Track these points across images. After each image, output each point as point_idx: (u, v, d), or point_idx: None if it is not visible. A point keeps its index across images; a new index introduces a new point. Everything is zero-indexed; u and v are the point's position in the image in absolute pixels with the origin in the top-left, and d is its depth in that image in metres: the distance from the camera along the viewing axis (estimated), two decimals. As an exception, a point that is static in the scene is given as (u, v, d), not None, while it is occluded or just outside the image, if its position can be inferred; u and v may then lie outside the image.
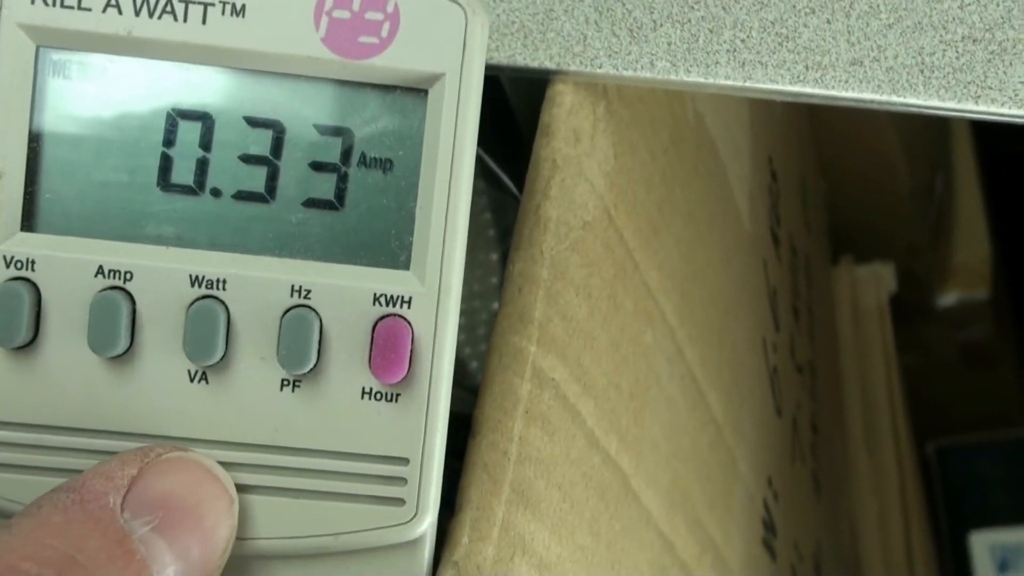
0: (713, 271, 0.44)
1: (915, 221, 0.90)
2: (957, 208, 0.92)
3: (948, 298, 0.91)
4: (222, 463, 0.27)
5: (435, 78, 0.27)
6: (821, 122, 0.82)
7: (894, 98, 0.32)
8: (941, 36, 0.32)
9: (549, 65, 0.34)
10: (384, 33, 0.27)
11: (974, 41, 0.31)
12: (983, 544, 0.83)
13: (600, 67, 0.33)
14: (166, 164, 0.27)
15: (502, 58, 0.34)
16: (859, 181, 0.87)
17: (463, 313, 0.27)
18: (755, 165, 0.54)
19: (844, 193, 0.88)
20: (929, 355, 0.94)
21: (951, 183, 0.93)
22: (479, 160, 0.28)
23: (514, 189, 0.42)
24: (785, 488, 0.55)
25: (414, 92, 0.27)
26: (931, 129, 0.92)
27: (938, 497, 0.86)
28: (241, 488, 0.27)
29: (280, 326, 0.27)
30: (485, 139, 0.29)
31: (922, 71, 0.32)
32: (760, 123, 0.56)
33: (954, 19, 0.32)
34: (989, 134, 0.93)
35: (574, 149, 0.33)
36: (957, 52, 0.31)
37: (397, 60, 0.27)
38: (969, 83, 0.31)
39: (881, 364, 0.83)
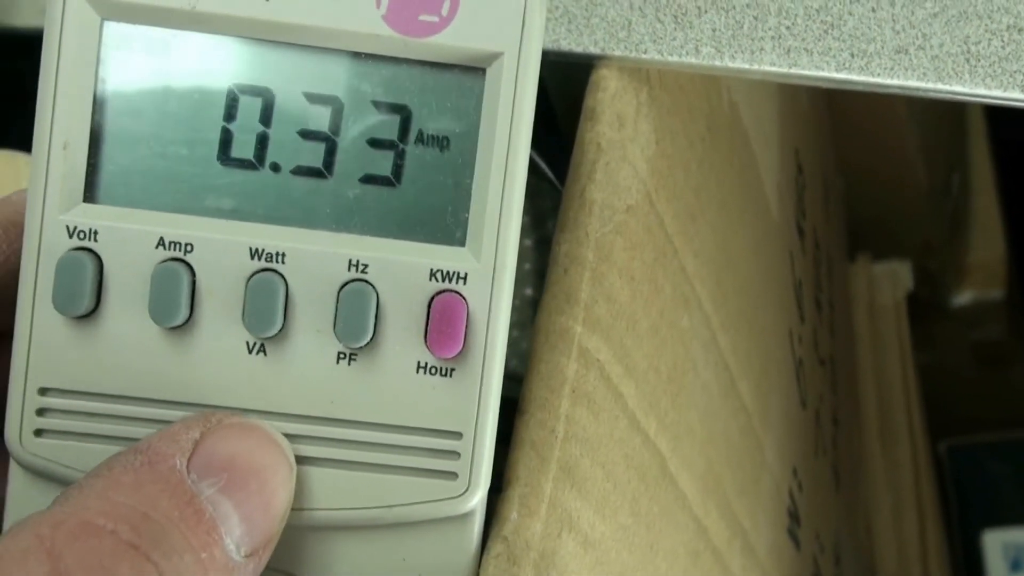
0: (745, 260, 0.45)
1: (931, 220, 0.91)
2: (973, 208, 0.92)
3: (963, 297, 0.91)
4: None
5: (494, 57, 0.27)
6: (841, 120, 0.82)
7: (940, 86, 0.32)
8: (987, 25, 0.32)
9: (594, 50, 0.34)
10: (444, 12, 0.27)
11: (1020, 31, 0.32)
12: (996, 543, 0.83)
13: (645, 52, 0.34)
14: (226, 138, 0.27)
15: (547, 42, 0.34)
16: (877, 179, 0.88)
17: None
18: (783, 157, 0.54)
19: (862, 191, 0.88)
20: (943, 354, 0.94)
21: (967, 183, 0.93)
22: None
23: (550, 174, 0.43)
24: (809, 479, 0.55)
25: (473, 71, 0.27)
26: (948, 129, 0.92)
27: (951, 496, 0.86)
28: (297, 460, 0.27)
29: (337, 300, 0.27)
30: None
31: (968, 60, 0.32)
32: (788, 116, 0.57)
33: (999, 8, 0.32)
34: (1006, 134, 0.93)
35: (618, 133, 0.33)
36: (1003, 41, 0.32)
37: (457, 39, 0.27)
38: (1015, 72, 0.31)
39: (897, 362, 0.83)
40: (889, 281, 0.87)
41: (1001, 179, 0.92)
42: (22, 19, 0.40)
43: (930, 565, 0.75)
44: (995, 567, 0.81)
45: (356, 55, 0.27)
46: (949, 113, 0.92)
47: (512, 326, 0.45)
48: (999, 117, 0.93)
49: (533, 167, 0.44)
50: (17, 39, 0.40)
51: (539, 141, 0.43)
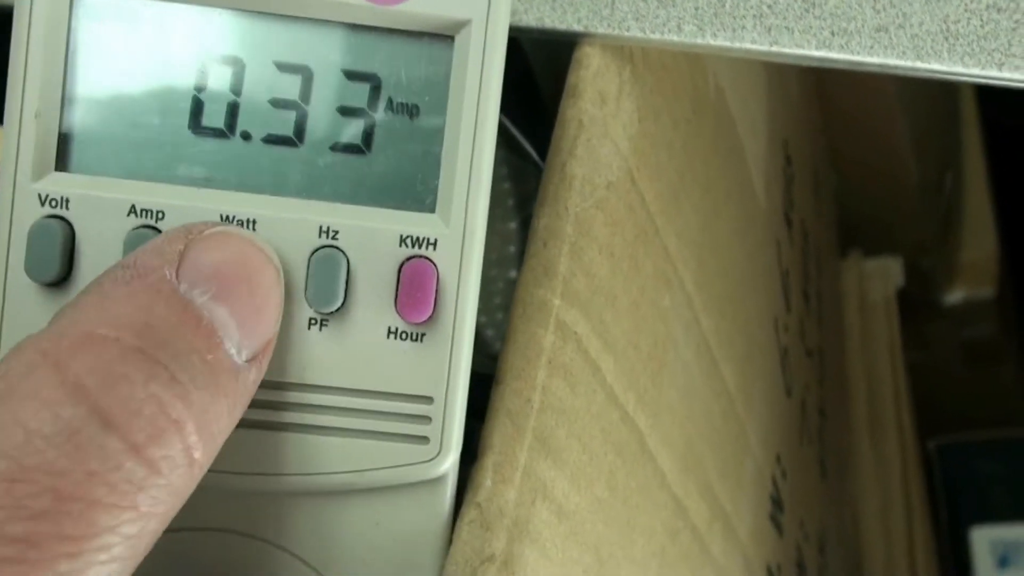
0: (729, 245, 0.45)
1: (923, 218, 0.91)
2: (965, 206, 0.92)
3: (954, 296, 0.91)
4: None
5: (462, 24, 0.27)
6: (833, 114, 0.82)
7: (919, 64, 0.32)
8: (966, 4, 0.32)
9: (577, 28, 0.34)
10: (414, -21, 0.27)
11: (999, 10, 0.32)
12: (983, 540, 0.83)
13: (628, 30, 0.34)
14: (197, 107, 0.27)
15: (530, 20, 0.34)
16: (869, 175, 0.88)
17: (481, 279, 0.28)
18: (771, 146, 0.54)
19: (854, 186, 0.88)
20: (934, 352, 0.94)
21: (960, 181, 0.93)
22: (501, 126, 0.29)
23: (536, 156, 0.43)
24: (793, 467, 0.55)
25: (441, 38, 0.27)
26: (942, 127, 0.92)
27: (939, 493, 0.87)
28: (269, 425, 0.27)
29: (308, 266, 0.27)
30: (507, 106, 0.29)
31: (947, 38, 0.32)
32: (777, 106, 0.57)
33: (979, -14, 0.32)
34: (999, 134, 0.93)
35: (600, 110, 0.33)
36: (982, 20, 0.32)
37: (425, 6, 0.27)
38: (993, 51, 0.31)
39: (887, 358, 0.84)
40: (880, 277, 0.87)
41: (994, 178, 0.92)
42: None
43: (917, 560, 0.75)
44: (982, 563, 0.81)
45: (326, 23, 0.27)
46: (943, 111, 0.92)
47: (497, 308, 0.45)
48: (993, 116, 0.94)
49: (518, 148, 0.44)
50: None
51: (524, 122, 0.43)
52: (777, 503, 0.51)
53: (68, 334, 0.23)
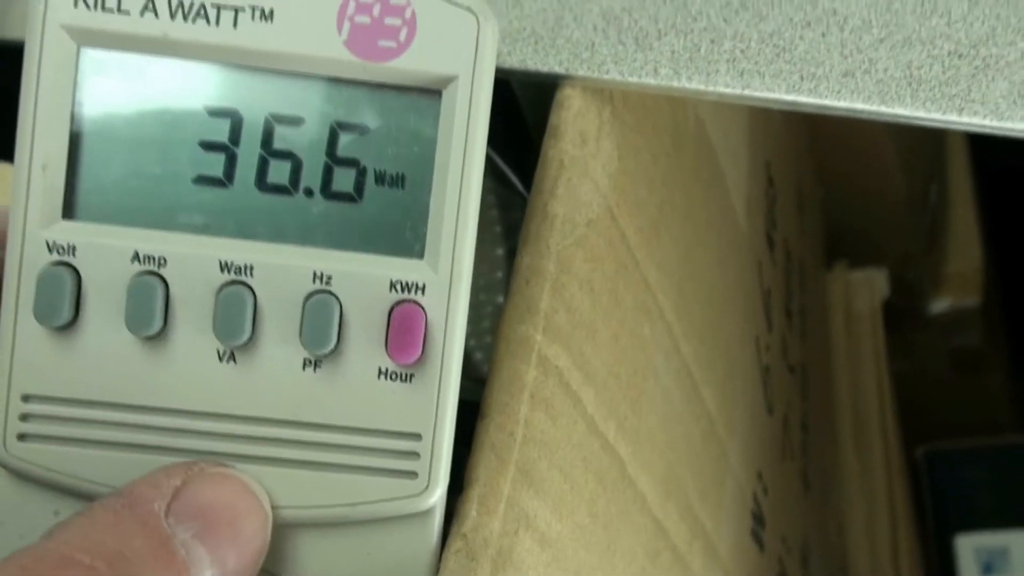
0: (710, 271, 0.46)
1: (909, 229, 0.92)
2: (950, 217, 0.94)
3: (940, 305, 0.93)
4: (247, 437, 0.29)
5: (449, 80, 0.29)
6: (820, 131, 0.84)
7: (883, 109, 0.33)
8: (929, 51, 0.33)
9: (558, 70, 0.36)
10: (402, 38, 0.29)
11: (960, 56, 0.33)
12: (968, 547, 0.84)
13: (607, 73, 0.35)
14: (197, 158, 0.29)
15: (514, 62, 0.36)
16: (855, 188, 0.89)
17: (469, 305, 0.29)
18: (753, 170, 0.56)
19: (840, 200, 0.89)
20: (920, 361, 0.95)
21: (945, 193, 0.94)
22: (489, 159, 0.30)
23: (521, 187, 0.44)
24: (775, 483, 0.56)
25: (429, 93, 0.29)
26: (927, 140, 0.93)
27: (926, 500, 0.88)
28: (264, 460, 0.29)
29: (303, 310, 0.28)
30: (495, 139, 0.31)
31: (910, 84, 0.33)
32: (759, 130, 0.58)
33: (941, 35, 0.33)
34: (983, 146, 0.95)
35: (580, 150, 0.35)
36: (943, 66, 0.33)
37: (414, 63, 0.29)
38: (954, 96, 0.33)
39: (872, 368, 0.85)
40: (866, 288, 0.88)
41: (978, 189, 0.94)
42: (12, 31, 0.42)
43: (902, 568, 0.77)
44: (967, 570, 0.83)
45: (319, 78, 0.29)
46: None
47: (485, 332, 0.47)
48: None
49: (504, 180, 0.45)
50: (6, 49, 0.42)
51: (511, 155, 0.45)
52: (759, 519, 0.52)
53: (49, 555, 0.24)
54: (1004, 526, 0.85)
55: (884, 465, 0.81)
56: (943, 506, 0.87)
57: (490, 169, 0.44)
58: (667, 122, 0.41)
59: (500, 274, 0.46)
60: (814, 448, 0.70)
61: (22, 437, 0.29)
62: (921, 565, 0.82)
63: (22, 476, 0.29)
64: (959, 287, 0.92)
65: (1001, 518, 0.85)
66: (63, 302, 0.28)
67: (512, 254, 0.47)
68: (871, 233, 0.92)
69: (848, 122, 0.85)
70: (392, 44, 0.28)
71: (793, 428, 0.63)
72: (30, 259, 0.28)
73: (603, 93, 0.36)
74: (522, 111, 0.45)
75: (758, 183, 0.57)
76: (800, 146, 0.78)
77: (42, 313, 0.28)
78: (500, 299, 0.46)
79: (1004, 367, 0.98)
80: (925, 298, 0.92)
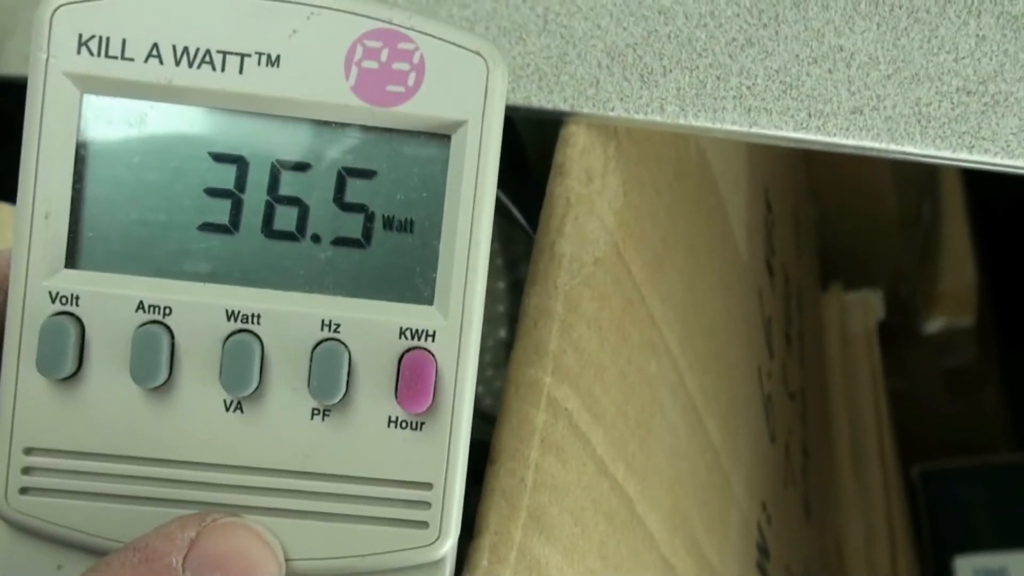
0: (712, 301, 0.46)
1: (902, 248, 0.92)
2: (943, 236, 0.94)
3: (934, 324, 0.92)
4: (255, 488, 0.28)
5: (458, 124, 0.28)
6: (814, 152, 0.83)
7: (892, 146, 0.33)
8: (937, 88, 0.33)
9: (563, 107, 0.35)
10: (410, 82, 0.28)
11: (968, 93, 0.33)
12: (967, 568, 0.84)
13: (612, 110, 0.35)
14: (202, 204, 0.28)
15: (518, 99, 0.35)
16: (848, 208, 0.89)
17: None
18: (752, 197, 0.56)
19: (834, 219, 0.89)
20: (915, 380, 0.95)
21: (938, 211, 0.94)
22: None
23: (523, 221, 0.44)
24: (778, 512, 0.56)
25: (438, 138, 0.29)
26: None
27: (923, 521, 0.88)
28: (273, 512, 0.28)
29: (311, 358, 0.28)
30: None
31: (919, 121, 0.33)
32: (758, 155, 0.58)
33: (950, 71, 0.33)
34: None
35: (586, 188, 0.34)
36: (952, 103, 0.33)
37: (422, 108, 0.28)
38: (964, 133, 0.33)
39: (869, 389, 0.85)
40: (861, 310, 0.88)
41: (971, 208, 0.94)
42: (9, 67, 0.41)
43: (902, 591, 0.76)
44: (967, 592, 0.82)
45: (326, 124, 0.28)
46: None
47: (486, 366, 0.46)
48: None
49: (506, 213, 0.45)
50: (2, 83, 0.41)
51: (512, 188, 0.44)
52: (763, 550, 0.52)
53: None
54: (1002, 547, 0.84)
55: (882, 486, 0.80)
56: (940, 527, 0.87)
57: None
58: (670, 153, 0.41)
59: (502, 307, 0.46)
60: (814, 472, 0.70)
61: (24, 490, 0.28)
62: (921, 587, 0.82)
63: (24, 530, 0.28)
64: (952, 306, 0.92)
65: (999, 539, 0.85)
66: (66, 353, 0.28)
67: (514, 287, 0.46)
68: (864, 252, 0.92)
69: (841, 142, 0.85)
70: (400, 89, 0.28)
71: (794, 454, 0.62)
72: (32, 309, 0.28)
73: (608, 129, 0.36)
74: (524, 143, 0.45)
75: (757, 210, 0.57)
76: (795, 167, 0.78)
77: (45, 364, 0.28)
78: (502, 333, 0.45)
79: (998, 386, 0.98)
80: (919, 317, 0.92)
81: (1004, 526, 0.85)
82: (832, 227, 0.90)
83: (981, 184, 0.96)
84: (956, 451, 0.91)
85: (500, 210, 0.46)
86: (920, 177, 0.94)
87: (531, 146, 0.44)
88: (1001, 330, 1.00)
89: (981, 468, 0.90)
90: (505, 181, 0.44)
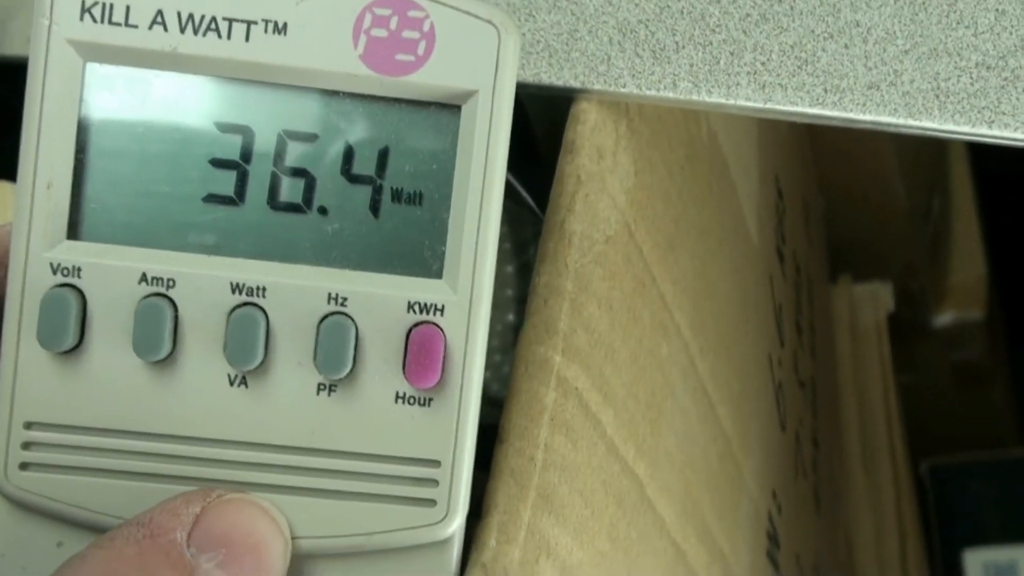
0: (724, 287, 0.45)
1: (912, 241, 0.91)
2: (953, 229, 0.93)
3: (943, 318, 0.92)
4: (259, 464, 0.27)
5: (469, 95, 0.28)
6: (822, 142, 0.83)
7: (910, 122, 0.33)
8: (956, 63, 0.33)
9: (574, 84, 0.35)
10: (420, 51, 0.28)
11: (988, 68, 0.32)
12: (977, 562, 0.83)
13: (624, 86, 0.34)
14: (207, 175, 0.28)
15: (528, 76, 0.35)
16: (858, 201, 0.88)
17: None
18: (763, 183, 0.55)
19: (842, 212, 0.89)
20: (924, 374, 0.95)
21: (948, 204, 0.94)
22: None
23: (531, 203, 0.43)
24: (788, 501, 0.55)
25: (448, 108, 0.28)
26: (929, 151, 0.93)
27: (932, 515, 0.87)
28: (278, 489, 0.28)
29: (317, 332, 0.27)
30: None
31: (937, 96, 0.33)
32: (768, 142, 0.58)
33: (968, 46, 0.33)
34: (986, 157, 0.94)
35: (597, 165, 0.34)
36: (971, 78, 0.32)
37: (432, 77, 0.28)
38: (983, 108, 0.32)
39: (878, 382, 0.84)
40: (870, 302, 0.88)
41: (981, 201, 0.93)
42: (12, 48, 0.41)
43: (912, 584, 0.76)
44: (976, 586, 0.82)
45: (334, 93, 0.28)
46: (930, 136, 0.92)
47: (494, 351, 0.46)
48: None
49: (514, 195, 0.44)
50: (3, 66, 0.41)
51: (520, 169, 0.44)
52: (773, 539, 0.51)
53: None
54: (1011, 541, 0.84)
55: (892, 480, 0.80)
56: (950, 521, 0.86)
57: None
58: (682, 134, 0.41)
59: (510, 291, 0.45)
60: (824, 464, 0.69)
61: (24, 466, 0.28)
62: (930, 582, 0.81)
63: (24, 506, 0.28)
64: (962, 299, 0.91)
65: (1009, 533, 0.84)
66: (68, 326, 0.27)
67: (522, 270, 0.46)
68: (874, 245, 0.92)
69: (849, 133, 0.84)
70: (410, 58, 0.27)
71: (805, 444, 0.62)
72: (33, 281, 0.27)
73: (619, 106, 0.35)
74: (531, 123, 0.44)
75: (768, 196, 0.56)
76: (805, 158, 0.77)
77: (46, 337, 0.27)
78: (510, 317, 0.45)
79: (1008, 380, 0.98)
80: (928, 311, 0.92)
81: (1013, 520, 0.85)
82: (841, 220, 0.90)
83: (991, 177, 0.95)
84: (965, 446, 0.91)
85: (508, 192, 0.45)
86: (930, 170, 0.93)
87: (539, 127, 0.44)
88: (1011, 324, 1.00)
89: (990, 463, 0.89)
90: (513, 162, 0.43)
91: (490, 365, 0.46)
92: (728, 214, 0.47)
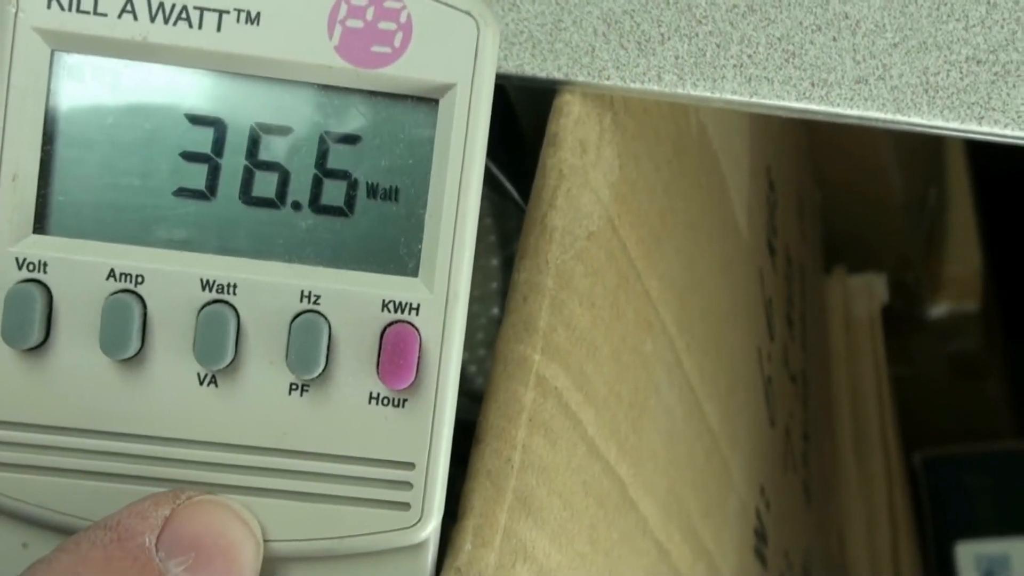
0: (712, 281, 0.45)
1: (907, 233, 0.91)
2: (949, 221, 0.93)
3: (938, 310, 0.92)
4: (230, 465, 0.27)
5: (446, 88, 0.27)
6: (818, 133, 0.82)
7: (898, 117, 0.32)
8: (946, 57, 0.32)
9: (557, 75, 0.34)
10: (397, 43, 0.27)
11: (978, 62, 0.32)
12: (968, 554, 0.83)
13: (608, 79, 0.34)
14: (178, 169, 0.27)
15: (510, 67, 0.34)
16: (853, 192, 0.88)
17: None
18: (754, 176, 0.54)
19: (838, 203, 0.88)
20: (918, 366, 0.94)
21: (944, 196, 0.93)
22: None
23: (516, 195, 0.43)
24: (777, 497, 0.55)
25: (425, 101, 0.27)
26: (925, 143, 0.92)
27: (924, 507, 0.87)
28: (249, 491, 0.27)
29: (289, 331, 0.27)
30: (489, 145, 0.29)
31: (926, 91, 0.32)
32: (759, 134, 0.57)
33: (959, 40, 0.32)
34: (982, 149, 0.93)
35: (580, 159, 0.33)
36: (961, 73, 0.32)
37: (409, 70, 0.27)
38: (973, 104, 0.32)
39: (871, 374, 0.84)
40: (865, 293, 0.87)
41: (977, 193, 0.93)
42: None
43: (903, 577, 0.75)
44: (968, 579, 0.82)
45: (308, 86, 0.27)
46: (926, 126, 0.92)
47: (479, 345, 0.45)
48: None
49: (500, 188, 0.44)
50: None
51: (506, 162, 0.43)
52: (761, 536, 0.51)
53: None
54: (1004, 534, 0.84)
55: (884, 472, 0.80)
56: (942, 513, 0.86)
57: (484, 176, 0.42)
58: (669, 128, 0.40)
59: (495, 285, 0.45)
60: (815, 457, 0.69)
61: None
62: (922, 573, 0.81)
63: (-11, 507, 0.27)
64: (957, 291, 0.91)
65: (1001, 525, 0.84)
66: (33, 322, 0.26)
67: (507, 263, 0.45)
68: (869, 237, 0.91)
69: (844, 126, 0.83)
70: (387, 49, 0.27)
71: (795, 438, 0.61)
72: None
73: (603, 99, 0.35)
74: (517, 115, 0.43)
75: (759, 188, 0.56)
76: (799, 149, 0.76)
77: (10, 334, 0.26)
78: (495, 311, 0.44)
79: (1002, 372, 0.97)
80: (923, 303, 0.91)
81: (1006, 513, 0.85)
82: (836, 211, 0.89)
83: (988, 170, 0.95)
84: (959, 437, 0.90)
85: (493, 184, 0.44)
86: (926, 162, 0.93)
87: (526, 119, 0.43)
88: (1006, 317, 0.99)
89: (983, 455, 0.89)
90: (498, 154, 0.43)
91: (475, 359, 0.45)
92: (717, 208, 0.46)
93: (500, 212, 0.44)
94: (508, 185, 0.43)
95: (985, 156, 0.94)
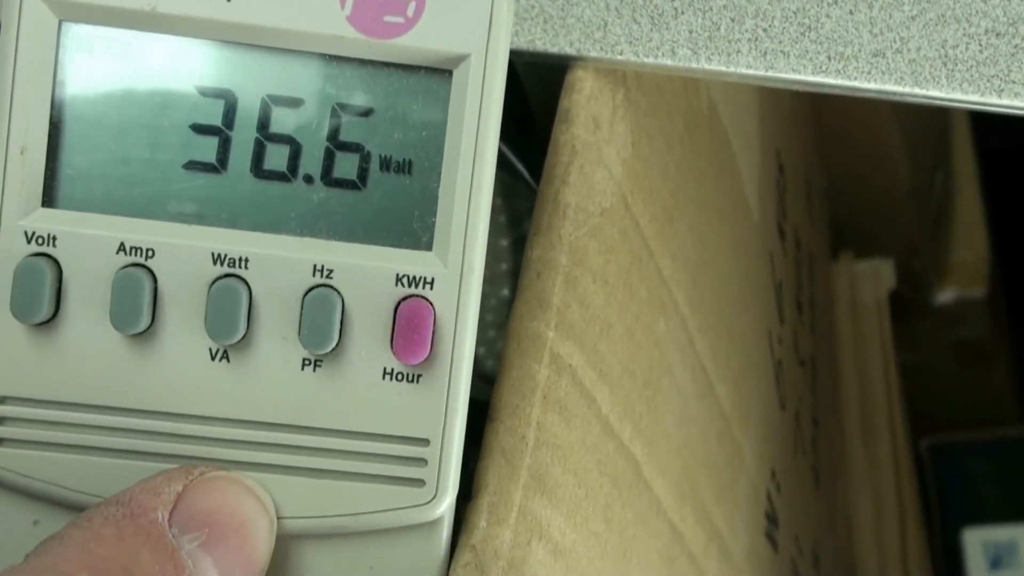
0: (723, 262, 0.44)
1: (914, 219, 0.90)
2: (956, 207, 0.92)
3: (945, 296, 0.91)
4: (242, 442, 0.27)
5: (460, 59, 0.27)
6: (824, 118, 0.82)
7: (916, 90, 0.32)
8: (964, 29, 0.32)
9: (569, 51, 0.34)
10: (410, 13, 0.27)
11: (997, 35, 0.31)
12: (976, 541, 0.83)
13: (620, 54, 0.33)
14: (188, 141, 0.27)
15: (522, 43, 0.34)
16: (859, 177, 0.88)
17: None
18: (764, 157, 0.54)
19: (844, 189, 0.88)
20: (925, 353, 0.94)
21: (950, 181, 0.93)
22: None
23: (527, 175, 0.42)
24: (787, 481, 0.55)
25: (439, 73, 0.27)
26: (932, 127, 0.92)
27: (931, 494, 0.86)
28: (262, 467, 0.27)
29: (302, 306, 0.26)
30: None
31: (945, 64, 0.32)
32: (769, 115, 0.56)
33: (977, 12, 0.31)
34: (989, 134, 0.93)
35: (593, 136, 0.33)
36: (980, 45, 0.31)
37: (423, 40, 0.27)
38: (992, 77, 0.31)
39: (879, 360, 0.83)
40: (871, 279, 0.87)
41: (984, 179, 0.92)
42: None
43: (910, 563, 0.75)
44: (975, 565, 0.81)
45: (320, 57, 0.27)
46: (932, 112, 0.92)
47: (489, 326, 0.45)
48: (982, 116, 0.93)
49: (509, 167, 0.43)
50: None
51: (515, 140, 0.43)
52: (772, 519, 0.50)
53: (46, 572, 0.22)
54: (1011, 520, 0.83)
55: (892, 458, 0.79)
56: (949, 500, 0.86)
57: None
58: (681, 105, 0.39)
59: (505, 266, 0.44)
60: (823, 442, 0.69)
61: None
62: (929, 560, 0.80)
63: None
64: (964, 277, 0.90)
65: (1009, 512, 0.84)
66: (42, 296, 0.26)
67: (517, 244, 0.45)
68: (875, 222, 0.91)
69: (852, 110, 0.83)
70: (399, 19, 0.26)
71: (804, 423, 0.61)
72: (6, 250, 0.26)
73: (616, 75, 0.34)
74: (526, 92, 0.43)
75: (769, 171, 0.55)
76: (807, 133, 0.76)
77: (19, 308, 0.26)
78: (505, 292, 0.44)
79: (1009, 358, 0.97)
80: (930, 289, 0.91)
81: (1013, 499, 0.84)
82: (843, 197, 0.89)
83: (995, 156, 0.94)
84: (966, 424, 0.90)
85: (502, 163, 0.44)
86: (933, 148, 0.92)
87: (535, 96, 0.42)
88: (1012, 303, 0.99)
89: (990, 441, 0.89)
90: (508, 133, 0.42)
91: (485, 341, 0.45)
92: (728, 188, 0.46)
93: (510, 192, 0.44)
94: (519, 165, 0.42)
95: (992, 141, 0.94)
